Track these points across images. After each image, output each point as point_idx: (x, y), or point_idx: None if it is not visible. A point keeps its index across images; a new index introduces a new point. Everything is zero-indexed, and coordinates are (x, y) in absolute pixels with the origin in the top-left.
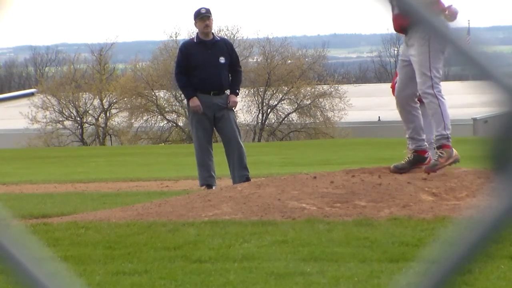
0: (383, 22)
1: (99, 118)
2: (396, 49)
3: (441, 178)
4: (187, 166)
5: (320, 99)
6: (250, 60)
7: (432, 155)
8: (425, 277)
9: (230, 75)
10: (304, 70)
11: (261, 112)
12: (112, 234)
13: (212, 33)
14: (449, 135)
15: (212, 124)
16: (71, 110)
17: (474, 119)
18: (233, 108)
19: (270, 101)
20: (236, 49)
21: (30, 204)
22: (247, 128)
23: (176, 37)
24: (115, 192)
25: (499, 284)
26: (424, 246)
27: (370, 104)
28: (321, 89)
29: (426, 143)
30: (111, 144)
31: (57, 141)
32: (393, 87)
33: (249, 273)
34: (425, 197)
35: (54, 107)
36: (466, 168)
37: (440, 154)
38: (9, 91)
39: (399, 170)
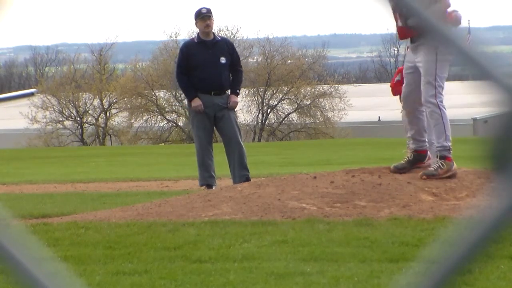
0: (383, 22)
1: (99, 118)
2: (396, 49)
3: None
4: (187, 166)
5: (320, 99)
6: (250, 60)
7: (431, 155)
8: (425, 277)
9: (230, 74)
10: (304, 70)
11: (261, 112)
12: (112, 234)
13: (213, 33)
14: (450, 147)
15: (213, 124)
16: (71, 110)
17: (474, 119)
18: (234, 108)
19: (270, 101)
20: (236, 49)
21: (30, 204)
22: (247, 128)
23: (176, 37)
24: (115, 192)
25: (499, 284)
26: (424, 246)
27: (370, 104)
28: (321, 89)
29: (427, 144)
30: (111, 144)
31: (57, 141)
32: (392, 87)
33: (249, 273)
34: (425, 197)
35: (54, 107)
36: (466, 168)
37: (441, 166)
38: (9, 91)
39: (399, 170)
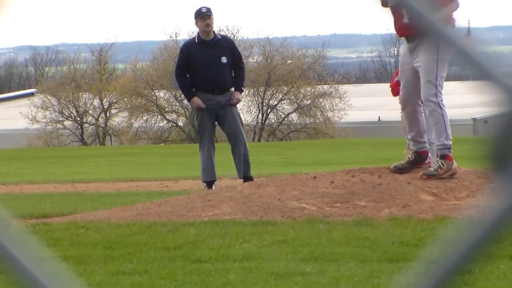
0: (383, 22)
1: (99, 118)
2: (396, 49)
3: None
4: (187, 166)
5: (320, 99)
6: (250, 60)
7: (432, 155)
8: (425, 277)
9: (233, 72)
10: (304, 70)
11: (261, 112)
12: (112, 234)
13: (213, 32)
14: (451, 145)
15: (215, 121)
16: (71, 110)
17: (474, 119)
18: (236, 104)
19: (270, 101)
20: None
21: (30, 204)
22: (247, 128)
23: (176, 37)
24: (115, 192)
25: (499, 284)
26: (424, 246)
27: (370, 104)
28: (321, 89)
29: (427, 145)
30: (111, 144)
31: (57, 141)
32: (392, 87)
33: (249, 273)
34: (425, 197)
35: (54, 107)
36: (466, 168)
37: (441, 165)
38: (9, 91)
39: (399, 170)
